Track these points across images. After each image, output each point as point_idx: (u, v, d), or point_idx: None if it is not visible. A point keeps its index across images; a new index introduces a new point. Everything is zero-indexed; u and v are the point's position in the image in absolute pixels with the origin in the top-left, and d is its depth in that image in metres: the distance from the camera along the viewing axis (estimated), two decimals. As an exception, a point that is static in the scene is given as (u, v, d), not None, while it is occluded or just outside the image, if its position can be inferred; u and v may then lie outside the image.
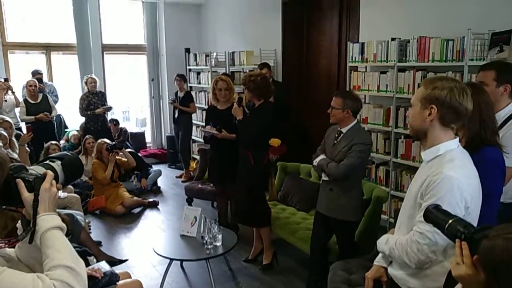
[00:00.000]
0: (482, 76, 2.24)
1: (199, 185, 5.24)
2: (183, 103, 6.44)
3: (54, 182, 1.25)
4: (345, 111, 2.83)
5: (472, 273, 1.11)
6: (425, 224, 1.53)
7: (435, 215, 1.34)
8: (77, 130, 6.52)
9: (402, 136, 4.04)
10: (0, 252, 1.28)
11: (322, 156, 2.97)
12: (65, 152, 1.46)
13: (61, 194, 4.15)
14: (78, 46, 7.15)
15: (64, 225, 1.23)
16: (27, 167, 1.27)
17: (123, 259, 3.95)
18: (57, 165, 1.33)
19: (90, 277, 2.46)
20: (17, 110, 5.92)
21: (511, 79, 2.20)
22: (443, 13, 3.84)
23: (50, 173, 1.26)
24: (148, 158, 7.37)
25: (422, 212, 1.54)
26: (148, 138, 8.26)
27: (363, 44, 4.33)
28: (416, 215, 1.62)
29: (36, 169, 1.27)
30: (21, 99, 5.99)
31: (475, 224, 1.60)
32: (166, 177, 6.73)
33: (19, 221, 1.30)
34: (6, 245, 1.23)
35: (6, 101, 5.74)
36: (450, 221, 1.26)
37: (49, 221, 1.20)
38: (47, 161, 1.34)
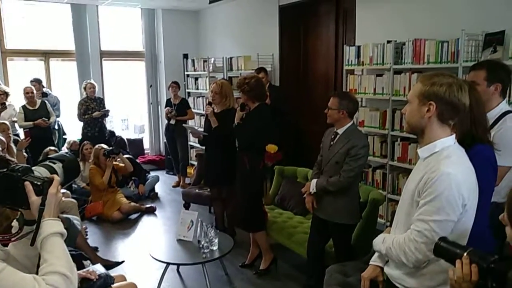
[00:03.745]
0: (473, 76, 2.23)
1: (196, 190, 5.23)
2: (179, 111, 6.43)
3: (59, 187, 1.26)
4: (340, 112, 2.84)
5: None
6: (423, 223, 1.52)
7: (447, 249, 1.34)
8: (78, 139, 6.47)
9: (399, 139, 4.04)
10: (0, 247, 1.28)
11: (314, 181, 2.98)
12: (63, 153, 1.46)
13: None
14: (77, 52, 7.18)
15: (65, 231, 1.24)
16: (32, 169, 1.27)
17: (119, 261, 3.96)
18: (58, 167, 1.33)
19: (85, 279, 2.46)
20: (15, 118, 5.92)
21: (502, 78, 2.19)
22: (437, 16, 3.86)
23: (57, 178, 1.27)
24: (146, 164, 7.36)
25: (419, 210, 1.54)
26: (146, 145, 8.26)
27: (359, 47, 4.34)
28: (413, 213, 1.60)
29: (39, 171, 1.27)
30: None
31: (471, 221, 1.59)
32: (164, 183, 6.71)
33: (15, 219, 1.30)
34: (1, 241, 1.23)
35: (6, 107, 5.74)
36: (464, 254, 1.27)
37: (53, 226, 1.21)
38: (48, 162, 1.34)
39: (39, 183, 1.21)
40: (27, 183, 1.19)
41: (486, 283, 1.23)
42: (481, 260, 1.24)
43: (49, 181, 1.23)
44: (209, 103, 4.10)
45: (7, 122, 4.61)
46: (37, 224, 1.20)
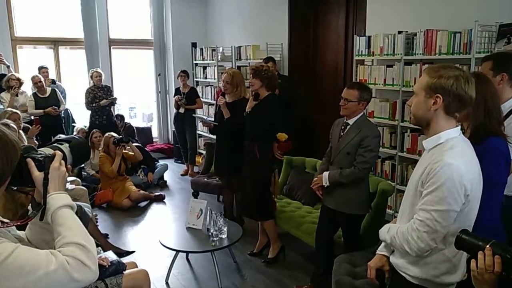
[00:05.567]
0: (482, 67, 2.24)
1: (205, 179, 5.27)
2: (188, 100, 6.45)
3: (63, 161, 1.26)
4: (361, 103, 2.81)
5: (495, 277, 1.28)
6: (425, 212, 1.54)
7: (468, 241, 1.35)
8: (85, 126, 6.54)
9: (408, 130, 4.02)
10: (13, 233, 1.29)
11: (326, 173, 2.94)
12: (73, 136, 1.47)
13: (69, 186, 4.20)
14: (86, 40, 7.19)
15: (74, 204, 1.24)
16: (36, 148, 1.28)
17: (130, 250, 4.00)
18: (65, 147, 1.33)
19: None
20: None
21: (508, 67, 2.18)
22: (450, 6, 3.81)
23: (58, 153, 1.27)
24: (155, 153, 7.41)
25: (422, 200, 1.56)
26: (155, 133, 8.30)
27: (369, 37, 4.31)
28: (417, 204, 1.62)
29: (44, 150, 1.28)
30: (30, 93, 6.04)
31: (475, 212, 1.60)
32: (173, 172, 6.77)
33: (29, 205, 1.32)
34: (16, 224, 1.23)
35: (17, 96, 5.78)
36: (487, 245, 1.28)
37: (59, 200, 1.21)
38: (55, 144, 1.35)
39: (40, 159, 1.21)
40: (28, 159, 1.20)
41: (509, 274, 1.25)
42: (504, 251, 1.25)
43: (51, 157, 1.24)
44: (223, 94, 4.08)
45: (19, 112, 4.65)
46: (43, 198, 1.20)
